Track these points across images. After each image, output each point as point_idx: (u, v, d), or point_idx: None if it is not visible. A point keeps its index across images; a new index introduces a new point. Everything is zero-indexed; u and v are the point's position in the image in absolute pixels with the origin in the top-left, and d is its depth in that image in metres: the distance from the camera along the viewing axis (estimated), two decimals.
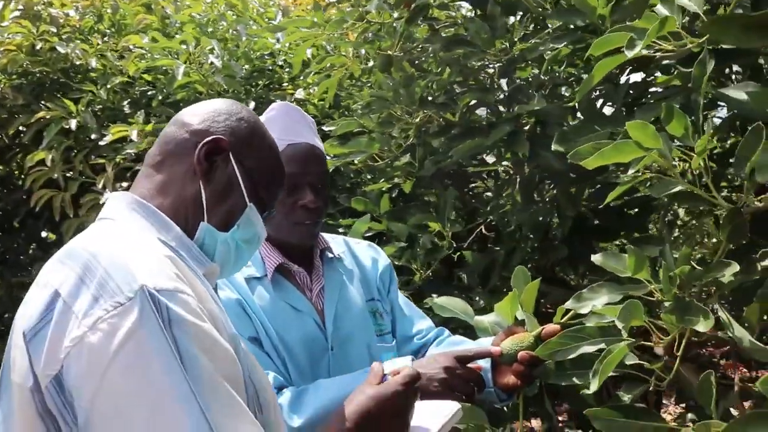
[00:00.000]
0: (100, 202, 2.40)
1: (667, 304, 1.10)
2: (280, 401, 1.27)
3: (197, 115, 1.05)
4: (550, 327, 1.28)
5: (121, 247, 0.87)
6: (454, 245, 1.94)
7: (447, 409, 1.12)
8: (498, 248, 1.97)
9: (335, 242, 1.58)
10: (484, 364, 1.36)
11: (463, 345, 1.48)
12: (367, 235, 2.01)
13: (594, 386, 1.04)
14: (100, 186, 2.47)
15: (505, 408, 1.66)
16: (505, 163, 2.14)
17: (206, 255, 0.99)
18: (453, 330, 1.66)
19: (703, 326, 0.99)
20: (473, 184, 2.47)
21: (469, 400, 1.26)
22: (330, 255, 1.52)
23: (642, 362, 1.13)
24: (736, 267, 1.05)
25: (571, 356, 1.17)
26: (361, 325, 1.48)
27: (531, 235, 1.92)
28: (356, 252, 1.61)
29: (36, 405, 0.80)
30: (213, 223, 1.00)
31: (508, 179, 2.14)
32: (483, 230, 2.15)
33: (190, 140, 1.01)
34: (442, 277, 2.06)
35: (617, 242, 2.17)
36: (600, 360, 1.05)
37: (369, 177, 2.54)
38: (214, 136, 1.00)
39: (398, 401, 1.03)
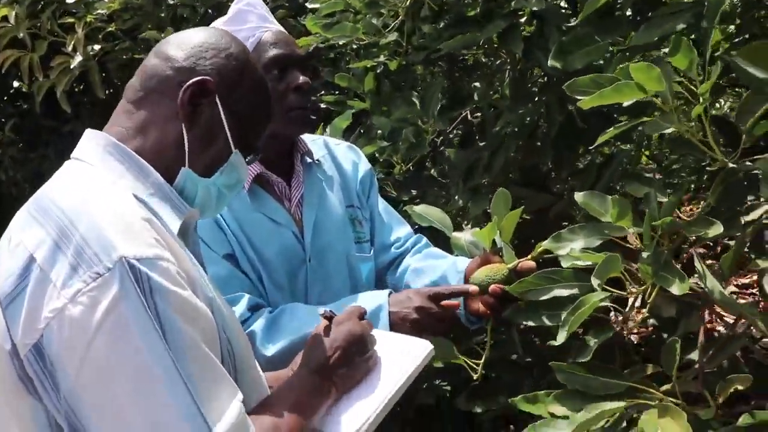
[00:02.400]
0: (71, 67, 2.26)
1: (645, 255, 1.09)
2: (254, 328, 1.28)
3: (183, 48, 0.97)
4: (526, 263, 1.27)
5: (98, 209, 0.83)
6: (438, 142, 1.89)
7: (419, 349, 1.14)
8: (482, 145, 1.92)
9: (315, 144, 1.52)
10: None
11: (440, 262, 1.48)
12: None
13: (561, 338, 1.06)
14: (70, 48, 2.30)
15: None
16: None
17: (186, 200, 0.95)
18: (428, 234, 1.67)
19: (677, 289, 0.99)
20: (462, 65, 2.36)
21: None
22: (309, 160, 1.46)
23: (614, 306, 1.14)
24: (719, 228, 1.03)
25: (544, 298, 1.17)
26: (340, 235, 1.47)
27: (517, 134, 1.86)
28: (336, 155, 1.56)
29: (15, 369, 0.80)
30: (195, 169, 0.95)
31: (499, 69, 2.04)
32: (469, 119, 2.09)
33: (174, 79, 0.95)
34: (423, 173, 2.02)
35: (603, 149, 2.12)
36: (570, 312, 1.05)
37: (354, 53, 2.41)
38: (200, 78, 0.93)
39: (352, 341, 1.06)
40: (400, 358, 1.12)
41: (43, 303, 0.78)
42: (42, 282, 0.78)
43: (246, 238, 1.35)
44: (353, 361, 1.06)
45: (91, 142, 0.94)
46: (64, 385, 0.78)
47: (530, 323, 1.16)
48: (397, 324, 1.27)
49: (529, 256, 1.27)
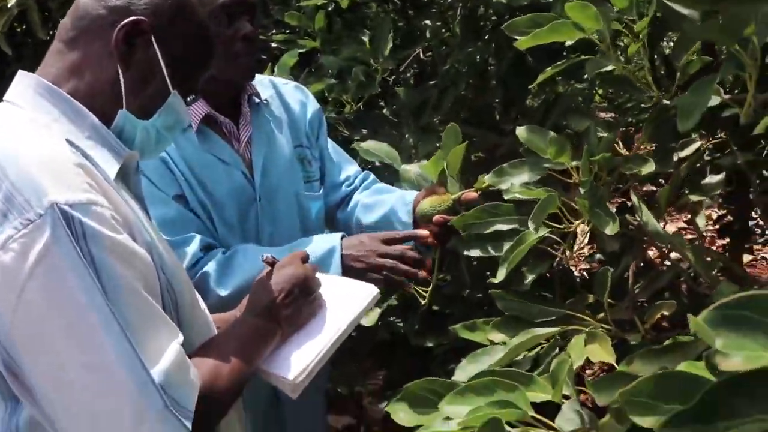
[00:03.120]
0: (8, 6, 2.14)
1: (582, 190, 1.12)
2: (207, 269, 1.28)
3: None
4: (469, 194, 1.30)
5: (28, 155, 0.80)
6: (390, 81, 1.87)
7: (364, 292, 1.16)
8: (432, 84, 1.91)
9: (262, 85, 1.50)
10: (406, 218, 1.40)
11: (389, 196, 1.49)
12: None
13: (501, 275, 1.09)
14: None
15: None
16: None
17: (125, 142, 0.93)
18: (378, 172, 1.68)
19: (609, 229, 1.02)
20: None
21: (394, 283, 1.30)
22: (257, 100, 1.45)
23: (551, 235, 1.17)
24: (652, 166, 1.06)
25: (486, 231, 1.20)
26: (289, 174, 1.46)
27: (467, 72, 1.86)
28: (284, 95, 1.54)
29: None
30: (132, 110, 0.93)
31: (451, 6, 2.01)
32: (422, 58, 2.08)
33: (107, 18, 0.91)
34: (373, 112, 2.01)
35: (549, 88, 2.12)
36: (509, 249, 1.08)
37: None
38: (134, 17, 0.90)
39: (295, 283, 1.07)
40: (346, 301, 1.14)
41: None
42: None
43: (195, 178, 1.33)
44: (297, 304, 1.07)
45: (23, 85, 0.91)
46: (1, 333, 0.77)
47: (476, 253, 1.19)
48: (350, 266, 1.28)
49: (473, 188, 1.29)
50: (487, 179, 1.23)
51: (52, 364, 0.77)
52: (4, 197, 0.77)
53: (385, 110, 1.95)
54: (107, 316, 0.77)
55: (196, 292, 1.03)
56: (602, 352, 0.85)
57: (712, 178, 1.23)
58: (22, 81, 0.91)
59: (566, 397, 0.76)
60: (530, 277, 1.15)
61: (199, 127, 1.35)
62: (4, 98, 0.92)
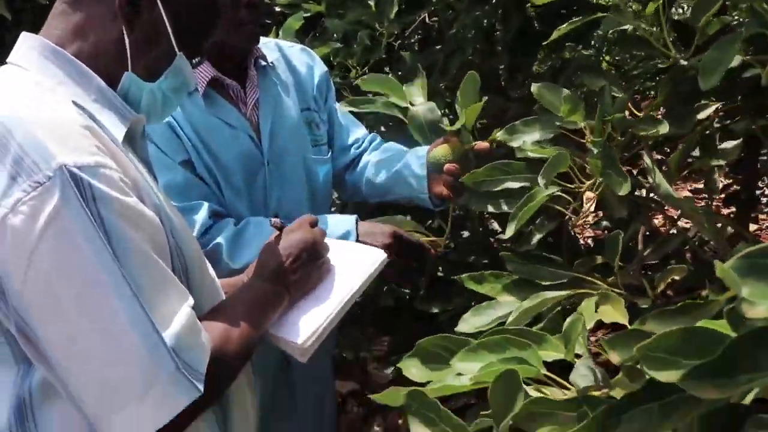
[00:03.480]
0: None
1: (595, 151, 1.11)
2: (220, 240, 1.28)
3: None
4: (482, 144, 1.31)
5: (35, 118, 0.79)
6: (395, 45, 1.85)
7: (372, 257, 1.16)
8: (438, 48, 1.88)
9: (267, 48, 1.48)
10: (420, 171, 1.40)
11: (400, 153, 1.49)
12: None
13: (510, 231, 1.09)
14: None
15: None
16: None
17: (131, 105, 0.92)
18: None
19: (621, 190, 1.01)
20: None
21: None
22: (263, 63, 1.43)
23: (561, 193, 1.16)
24: (666, 127, 1.05)
25: (496, 189, 1.20)
26: (297, 138, 1.45)
27: (474, 37, 1.83)
28: (290, 58, 1.53)
29: None
30: (138, 73, 0.91)
31: None
32: (427, 23, 2.04)
33: None
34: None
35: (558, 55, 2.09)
36: (519, 207, 1.08)
37: None
38: None
39: (303, 247, 1.07)
40: (354, 265, 1.14)
41: None
42: None
43: (202, 143, 1.32)
44: (305, 268, 1.08)
45: (26, 46, 0.89)
46: (10, 293, 0.77)
47: (488, 209, 1.18)
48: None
49: (487, 141, 1.29)
50: (498, 135, 1.22)
51: (63, 329, 0.77)
52: (12, 160, 0.76)
53: (390, 75, 1.92)
54: (118, 279, 0.77)
55: (203, 255, 1.03)
56: (615, 313, 0.85)
57: (728, 144, 1.22)
58: (26, 42, 0.90)
59: (578, 356, 0.76)
60: (537, 236, 1.15)
61: (206, 91, 1.34)
62: (8, 60, 0.90)
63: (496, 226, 1.98)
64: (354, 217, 1.34)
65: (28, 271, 0.75)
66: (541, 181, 1.04)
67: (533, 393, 0.69)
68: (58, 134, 0.78)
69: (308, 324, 1.05)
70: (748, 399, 0.53)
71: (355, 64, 1.89)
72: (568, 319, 0.77)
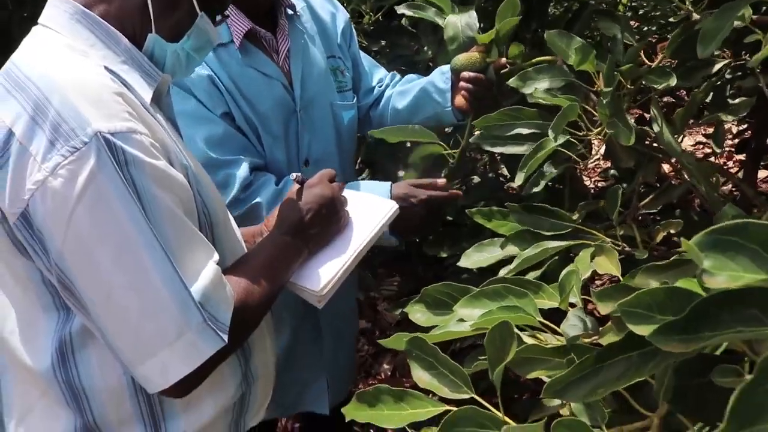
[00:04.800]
0: None
1: (605, 100, 1.12)
2: (260, 199, 1.33)
3: None
4: (500, 61, 1.35)
5: (71, 85, 0.83)
6: None
7: (384, 208, 1.20)
8: None
9: None
10: (443, 84, 1.46)
11: (422, 79, 1.56)
12: None
13: (519, 180, 1.12)
14: None
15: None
16: None
17: (156, 65, 0.96)
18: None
19: (625, 140, 1.03)
20: None
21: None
22: (290, 12, 1.45)
23: (571, 140, 1.18)
24: (674, 80, 1.06)
25: (507, 134, 1.23)
26: (324, 85, 1.49)
27: None
28: (314, 5, 1.56)
29: (7, 235, 0.85)
30: (162, 34, 0.94)
31: None
32: None
33: None
34: (392, 23, 1.98)
35: None
36: (528, 156, 1.11)
37: None
38: None
39: (322, 203, 1.12)
40: (368, 216, 1.19)
41: (25, 175, 0.80)
42: (22, 155, 0.80)
43: (240, 94, 1.36)
44: (324, 222, 1.12)
45: (58, 9, 0.92)
46: (52, 250, 0.82)
47: (500, 150, 1.22)
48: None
49: (505, 59, 1.33)
50: (510, 82, 1.23)
51: (100, 284, 0.83)
52: (51, 126, 0.80)
53: (404, 20, 1.92)
54: (150, 239, 0.82)
55: (227, 210, 1.08)
56: (609, 265, 0.89)
57: (739, 100, 1.23)
58: (57, 5, 0.92)
59: (573, 305, 0.81)
60: (542, 183, 1.18)
61: (242, 42, 1.36)
62: (39, 21, 0.93)
63: (505, 171, 2.00)
64: (388, 184, 1.38)
65: (67, 231, 0.80)
66: (551, 134, 1.07)
67: (528, 339, 0.75)
68: (92, 101, 0.82)
69: (325, 273, 1.11)
70: (720, 350, 0.57)
71: (368, 10, 1.88)
72: (564, 271, 0.81)
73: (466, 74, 1.36)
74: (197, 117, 1.32)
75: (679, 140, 1.18)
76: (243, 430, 1.06)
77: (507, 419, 0.65)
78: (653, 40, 2.01)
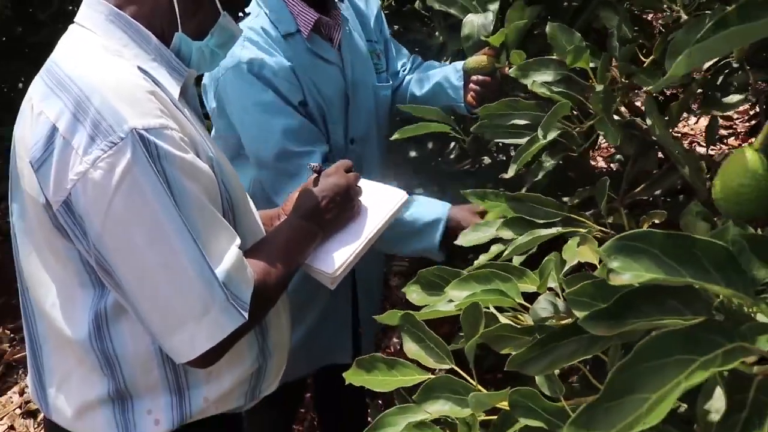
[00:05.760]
0: None
1: (598, 90, 1.18)
2: None
3: None
4: (504, 69, 1.44)
5: (109, 85, 0.92)
6: None
7: (395, 197, 1.29)
8: None
9: None
10: (457, 82, 1.57)
11: (440, 69, 1.67)
12: None
13: (511, 172, 1.20)
14: None
15: None
16: None
17: (182, 61, 1.04)
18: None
19: (611, 140, 1.10)
20: None
21: None
22: (337, 1, 1.54)
23: (567, 127, 1.25)
24: (660, 82, 1.12)
25: (506, 123, 1.30)
26: (366, 68, 1.61)
27: None
28: None
29: (50, 219, 0.95)
30: (187, 32, 1.03)
31: None
32: None
33: None
34: (405, 7, 2.04)
35: None
36: (520, 150, 1.18)
37: None
38: None
39: (338, 191, 1.20)
40: (380, 205, 1.28)
41: (68, 167, 0.90)
42: (65, 149, 0.90)
43: (311, 81, 1.47)
44: (338, 209, 1.21)
45: (93, 10, 1.00)
46: (91, 234, 0.92)
47: (501, 139, 1.29)
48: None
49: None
50: (511, 72, 1.29)
51: (134, 265, 0.93)
52: (91, 123, 0.89)
53: (417, 3, 1.98)
54: (180, 225, 0.92)
55: (248, 197, 1.18)
56: (589, 254, 0.96)
57: (732, 98, 1.28)
58: (92, 6, 1.00)
59: (551, 290, 0.89)
60: (541, 173, 1.25)
61: (309, 33, 1.46)
62: (75, 20, 1.02)
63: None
64: (447, 205, 1.45)
65: (105, 218, 0.90)
66: (540, 133, 1.14)
67: (503, 319, 0.83)
68: (128, 100, 0.91)
69: (339, 257, 1.20)
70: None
71: None
72: (545, 259, 0.89)
73: (475, 77, 1.48)
74: (276, 108, 1.41)
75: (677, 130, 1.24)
76: (258, 397, 1.17)
77: (480, 388, 0.74)
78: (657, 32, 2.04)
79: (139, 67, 0.97)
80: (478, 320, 0.75)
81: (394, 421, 0.77)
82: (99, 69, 0.94)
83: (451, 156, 2.10)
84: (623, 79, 1.25)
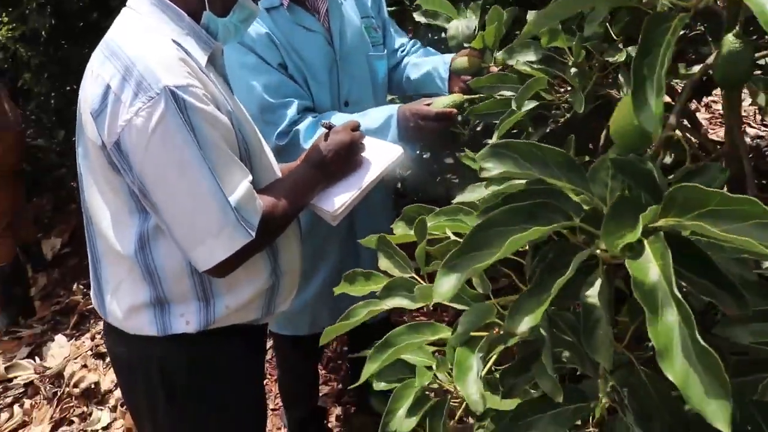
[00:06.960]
0: None
1: (572, 69, 1.35)
2: (299, 127, 1.67)
3: None
4: (492, 68, 1.61)
5: (150, 54, 1.16)
6: None
7: (392, 152, 1.50)
8: None
9: None
10: (444, 74, 1.77)
11: (433, 58, 1.87)
12: None
13: (494, 139, 1.38)
14: None
15: None
16: None
17: (211, 36, 1.28)
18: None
19: (578, 107, 1.28)
20: None
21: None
22: None
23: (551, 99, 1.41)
24: (623, 55, 1.29)
25: (496, 94, 1.48)
26: (359, 39, 1.83)
27: None
28: None
29: (106, 158, 1.19)
30: (214, 11, 1.27)
31: None
32: None
33: None
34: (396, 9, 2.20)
35: None
36: (501, 120, 1.37)
37: None
38: None
39: (342, 146, 1.42)
40: (378, 159, 1.50)
41: (118, 116, 1.14)
42: (116, 102, 1.14)
43: (291, 47, 1.70)
44: (342, 162, 1.43)
45: None
46: (135, 168, 1.17)
47: (487, 120, 1.46)
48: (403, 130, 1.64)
49: (497, 66, 1.59)
50: (498, 55, 1.48)
51: (167, 191, 1.17)
52: (135, 83, 1.14)
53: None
54: (201, 162, 1.15)
55: (264, 143, 1.41)
56: None
57: (692, 68, 1.43)
58: None
59: None
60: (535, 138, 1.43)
61: (289, 5, 1.70)
62: (127, 4, 1.28)
63: None
64: (396, 105, 1.69)
65: (145, 154, 1.15)
66: (514, 105, 1.32)
67: (454, 237, 1.03)
68: (163, 65, 1.15)
69: (339, 199, 1.43)
70: None
71: None
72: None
73: (464, 77, 1.66)
74: (257, 69, 1.65)
75: None
76: (273, 311, 1.41)
77: (428, 286, 0.95)
78: None
79: (173, 40, 1.21)
80: (422, 234, 0.96)
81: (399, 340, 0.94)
82: (142, 42, 1.19)
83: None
84: (599, 56, 1.42)
